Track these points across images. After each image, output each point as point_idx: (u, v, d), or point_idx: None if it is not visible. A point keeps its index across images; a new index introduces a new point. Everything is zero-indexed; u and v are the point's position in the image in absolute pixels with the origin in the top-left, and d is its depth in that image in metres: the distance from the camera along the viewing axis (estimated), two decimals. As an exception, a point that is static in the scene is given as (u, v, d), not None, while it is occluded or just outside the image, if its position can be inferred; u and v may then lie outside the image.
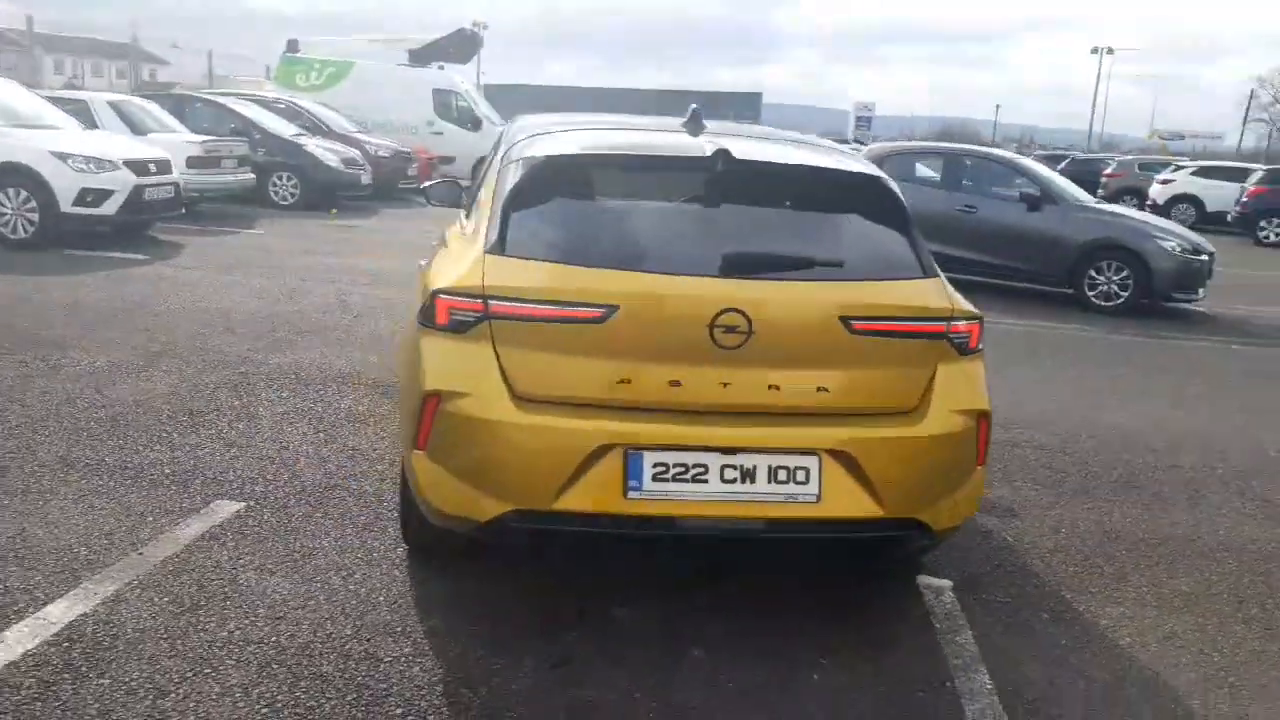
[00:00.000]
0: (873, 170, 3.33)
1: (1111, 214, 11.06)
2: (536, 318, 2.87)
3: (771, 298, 2.91)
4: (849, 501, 2.92)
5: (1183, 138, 53.00)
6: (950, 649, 3.16)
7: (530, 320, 2.88)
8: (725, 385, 2.91)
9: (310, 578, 3.31)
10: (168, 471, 4.14)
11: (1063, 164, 29.96)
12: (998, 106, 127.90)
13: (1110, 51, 56.11)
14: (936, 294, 3.11)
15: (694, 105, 3.50)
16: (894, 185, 3.31)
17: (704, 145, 3.14)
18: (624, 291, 2.86)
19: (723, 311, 2.85)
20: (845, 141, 25.26)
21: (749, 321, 2.85)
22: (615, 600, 3.30)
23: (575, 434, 2.84)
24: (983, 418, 3.11)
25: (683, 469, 2.86)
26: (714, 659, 2.99)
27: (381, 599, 3.21)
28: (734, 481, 2.88)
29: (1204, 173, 25.00)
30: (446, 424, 2.90)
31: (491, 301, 2.88)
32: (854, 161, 3.41)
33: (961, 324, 3.11)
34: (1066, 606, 3.53)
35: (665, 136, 3.35)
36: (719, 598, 3.38)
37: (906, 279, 3.09)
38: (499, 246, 2.98)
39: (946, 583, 3.60)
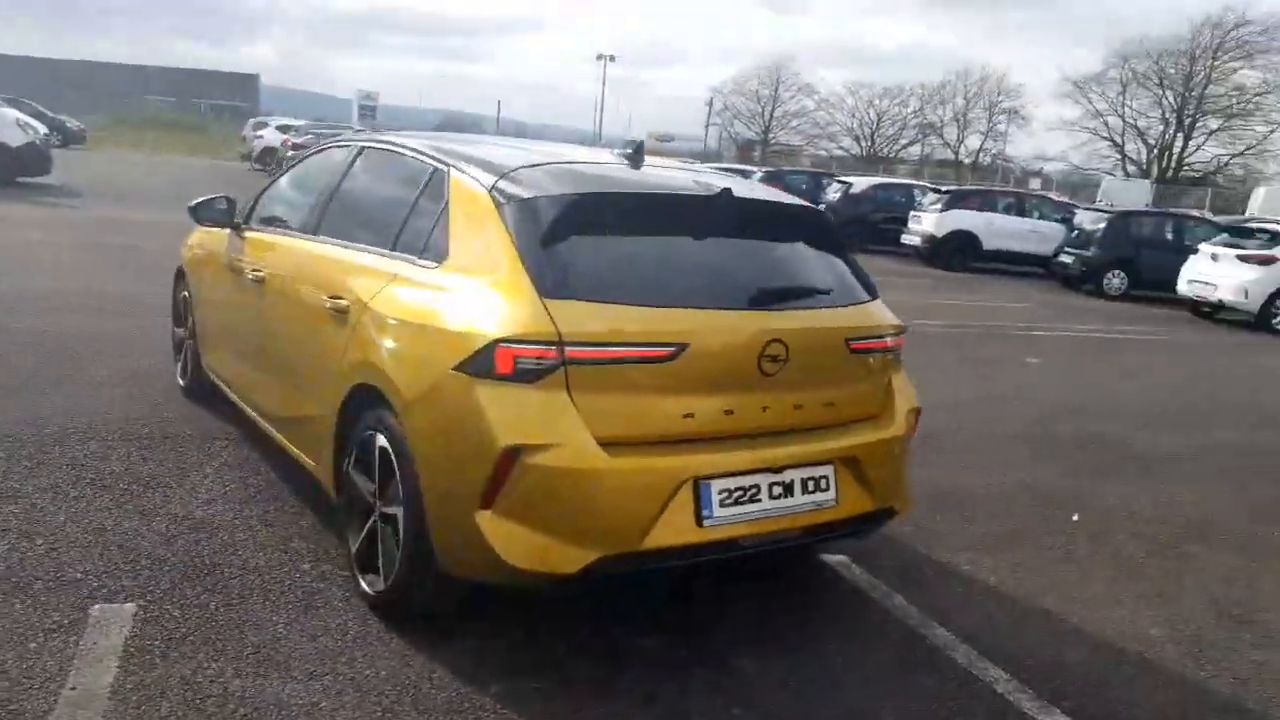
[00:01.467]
0: (813, 205, 3.73)
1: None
2: (612, 360, 2.85)
3: (801, 326, 3.20)
4: (857, 500, 3.33)
5: (673, 139, 60.79)
6: (898, 612, 3.71)
7: (606, 364, 2.85)
8: (764, 409, 3.14)
9: (314, 674, 2.89)
10: (-17, 581, 3.22)
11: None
12: (499, 102, 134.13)
13: (613, 59, 62.48)
14: (889, 312, 3.61)
15: (640, 140, 3.61)
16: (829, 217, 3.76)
17: (706, 184, 3.31)
18: (693, 329, 2.95)
19: (770, 341, 3.07)
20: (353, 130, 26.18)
21: (786, 349, 3.11)
22: (625, 633, 3.34)
23: (661, 471, 2.89)
24: (917, 413, 3.68)
25: (742, 491, 3.05)
26: (759, 668, 3.21)
27: (413, 677, 2.93)
28: (779, 497, 3.13)
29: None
30: (531, 478, 2.76)
31: (568, 348, 2.79)
32: (794, 197, 3.78)
33: (896, 337, 3.65)
34: (936, 563, 4.28)
35: (662, 173, 3.48)
36: (706, 618, 3.56)
37: (868, 301, 3.55)
38: (553, 290, 2.87)
39: (844, 558, 4.15)
